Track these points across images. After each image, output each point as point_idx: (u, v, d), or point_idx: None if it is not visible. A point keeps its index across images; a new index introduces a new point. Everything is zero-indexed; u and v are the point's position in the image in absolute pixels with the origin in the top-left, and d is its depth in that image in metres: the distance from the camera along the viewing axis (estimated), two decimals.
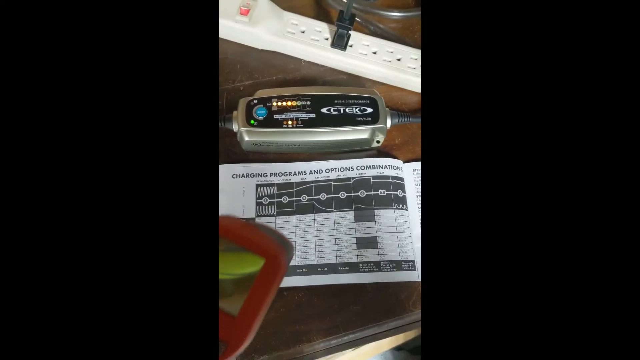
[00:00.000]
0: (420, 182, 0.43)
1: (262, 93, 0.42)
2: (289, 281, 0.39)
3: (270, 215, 0.41)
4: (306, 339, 0.37)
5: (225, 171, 0.42)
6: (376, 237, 0.40)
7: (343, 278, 0.39)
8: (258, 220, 0.41)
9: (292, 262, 0.40)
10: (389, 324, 0.39)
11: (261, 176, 0.42)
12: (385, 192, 0.42)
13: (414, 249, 0.40)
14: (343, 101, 0.42)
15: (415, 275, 0.39)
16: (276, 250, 0.25)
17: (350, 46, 0.47)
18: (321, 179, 0.42)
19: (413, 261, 0.40)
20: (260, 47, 0.48)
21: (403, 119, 0.44)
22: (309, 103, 0.42)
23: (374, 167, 0.43)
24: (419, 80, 0.46)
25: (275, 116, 0.41)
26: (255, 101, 0.42)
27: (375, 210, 0.41)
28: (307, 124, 0.41)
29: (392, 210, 0.41)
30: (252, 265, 0.25)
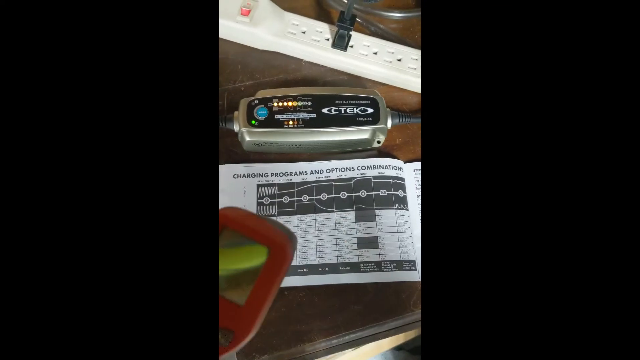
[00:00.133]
0: (420, 182, 0.43)
1: (263, 93, 0.43)
2: (290, 281, 0.39)
3: (271, 215, 0.41)
4: (307, 338, 0.37)
5: (226, 171, 0.42)
6: (377, 237, 0.40)
7: (344, 278, 0.39)
8: None
9: (293, 262, 0.40)
10: (390, 323, 0.39)
11: (262, 176, 0.43)
12: (386, 192, 0.42)
13: (414, 249, 0.40)
14: (344, 101, 0.42)
15: (416, 275, 0.40)
16: (282, 240, 0.25)
17: (351, 47, 0.47)
18: (322, 179, 0.43)
19: (414, 261, 0.40)
20: (261, 48, 0.48)
21: (403, 120, 0.44)
22: (309, 103, 0.42)
23: (374, 167, 0.43)
24: (420, 80, 0.46)
25: (276, 116, 0.41)
26: (256, 101, 0.42)
27: (376, 210, 0.41)
28: (308, 124, 0.41)
29: (393, 210, 0.41)
30: (257, 256, 0.25)
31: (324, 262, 0.40)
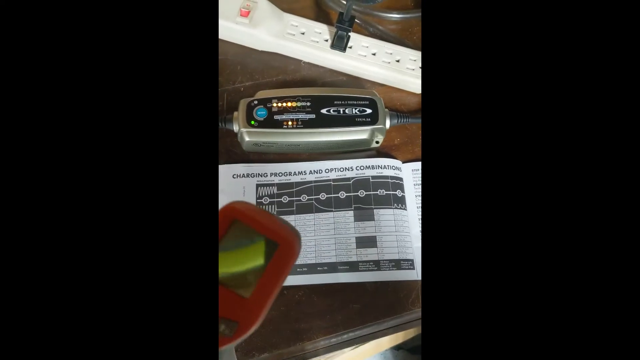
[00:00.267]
0: (418, 182, 0.43)
1: (262, 94, 0.43)
2: (289, 280, 0.39)
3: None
4: (306, 337, 0.38)
5: (225, 171, 0.43)
6: (375, 236, 0.41)
7: (343, 277, 0.39)
8: None
9: None
10: (389, 322, 0.39)
11: (261, 176, 0.43)
12: (385, 192, 0.42)
13: (412, 248, 0.41)
14: (343, 102, 0.42)
15: (414, 274, 0.40)
16: (290, 237, 0.26)
17: (350, 47, 0.47)
18: (321, 179, 0.43)
19: (412, 260, 0.40)
20: (260, 49, 0.48)
21: (402, 120, 0.44)
22: (308, 104, 0.42)
23: (373, 167, 0.43)
24: (418, 81, 0.46)
25: (276, 117, 0.42)
26: (256, 102, 0.42)
27: (375, 210, 0.41)
28: (307, 124, 0.42)
29: (391, 209, 0.41)
30: (266, 251, 0.25)
31: (323, 261, 0.40)
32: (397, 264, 0.40)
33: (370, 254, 0.40)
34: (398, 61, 0.47)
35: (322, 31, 0.48)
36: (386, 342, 0.74)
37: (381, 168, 0.43)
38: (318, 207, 0.42)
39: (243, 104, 0.42)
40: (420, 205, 0.43)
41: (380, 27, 0.50)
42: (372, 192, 0.42)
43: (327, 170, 0.43)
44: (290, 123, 0.41)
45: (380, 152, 0.45)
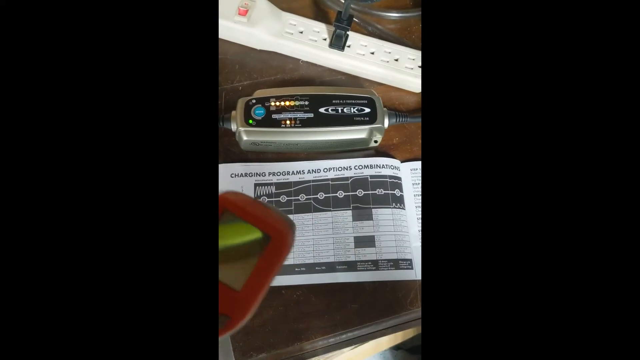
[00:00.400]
0: (417, 182, 0.43)
1: (260, 93, 0.43)
2: (287, 280, 0.39)
3: None
4: (305, 337, 0.38)
5: (224, 170, 0.43)
6: (374, 235, 0.40)
7: (341, 277, 0.39)
8: None
9: (290, 261, 0.40)
10: (387, 322, 0.39)
11: (260, 175, 0.43)
12: (383, 192, 0.42)
13: (411, 248, 0.41)
14: (341, 101, 0.42)
15: (413, 274, 0.40)
16: (283, 229, 0.25)
17: (348, 46, 0.47)
18: (319, 178, 0.43)
19: (410, 260, 0.40)
20: (258, 48, 0.48)
21: (401, 119, 0.44)
22: (307, 103, 0.42)
23: (371, 166, 0.43)
24: (417, 80, 0.46)
25: (274, 116, 0.41)
26: (254, 101, 0.42)
27: (373, 210, 0.41)
28: (305, 123, 0.41)
29: (390, 209, 0.41)
30: (257, 242, 0.25)
31: (321, 261, 0.40)
32: (396, 264, 0.40)
33: (368, 253, 0.40)
34: (397, 60, 0.47)
35: (321, 30, 0.47)
36: (385, 342, 0.73)
37: (380, 167, 0.43)
38: (316, 206, 0.42)
39: (241, 103, 0.42)
40: (418, 204, 0.43)
41: (379, 26, 0.50)
42: (370, 192, 0.42)
43: (325, 170, 0.43)
44: (288, 122, 0.41)
45: (379, 152, 0.45)
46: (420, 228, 0.42)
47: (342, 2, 0.50)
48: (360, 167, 0.43)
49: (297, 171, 0.43)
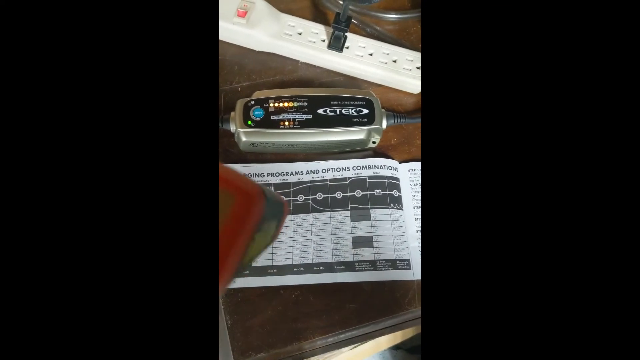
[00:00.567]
0: (415, 182, 0.43)
1: (259, 94, 0.43)
2: (285, 280, 0.39)
3: None
4: (303, 336, 0.38)
5: None
6: (372, 236, 0.41)
7: (339, 277, 0.40)
8: None
9: (289, 261, 0.40)
10: (385, 322, 0.39)
11: (258, 176, 0.43)
12: (381, 192, 0.42)
13: (409, 248, 0.41)
14: (339, 102, 0.43)
15: (411, 274, 0.40)
16: (250, 189, 0.23)
17: (347, 48, 0.47)
18: (318, 179, 0.43)
19: (408, 260, 0.40)
20: (257, 49, 0.49)
21: (399, 120, 0.44)
22: (305, 104, 0.42)
23: (369, 167, 0.43)
24: (415, 81, 0.46)
25: (272, 117, 0.42)
26: (253, 102, 0.42)
27: (371, 210, 0.41)
28: (304, 124, 0.42)
29: (388, 209, 0.42)
30: (222, 205, 0.22)
31: (320, 261, 0.40)
32: (394, 264, 0.40)
33: (366, 254, 0.40)
34: (395, 61, 0.47)
35: (319, 31, 0.48)
36: (385, 341, 0.74)
37: (378, 168, 0.43)
38: (315, 207, 0.42)
39: (240, 104, 0.42)
40: (416, 205, 0.43)
41: (377, 28, 0.50)
42: (368, 192, 0.42)
43: (324, 171, 0.43)
44: (287, 123, 0.42)
45: (377, 153, 0.45)
46: (417, 228, 0.42)
47: (340, 4, 0.50)
48: (359, 167, 0.43)
49: (295, 172, 0.43)
